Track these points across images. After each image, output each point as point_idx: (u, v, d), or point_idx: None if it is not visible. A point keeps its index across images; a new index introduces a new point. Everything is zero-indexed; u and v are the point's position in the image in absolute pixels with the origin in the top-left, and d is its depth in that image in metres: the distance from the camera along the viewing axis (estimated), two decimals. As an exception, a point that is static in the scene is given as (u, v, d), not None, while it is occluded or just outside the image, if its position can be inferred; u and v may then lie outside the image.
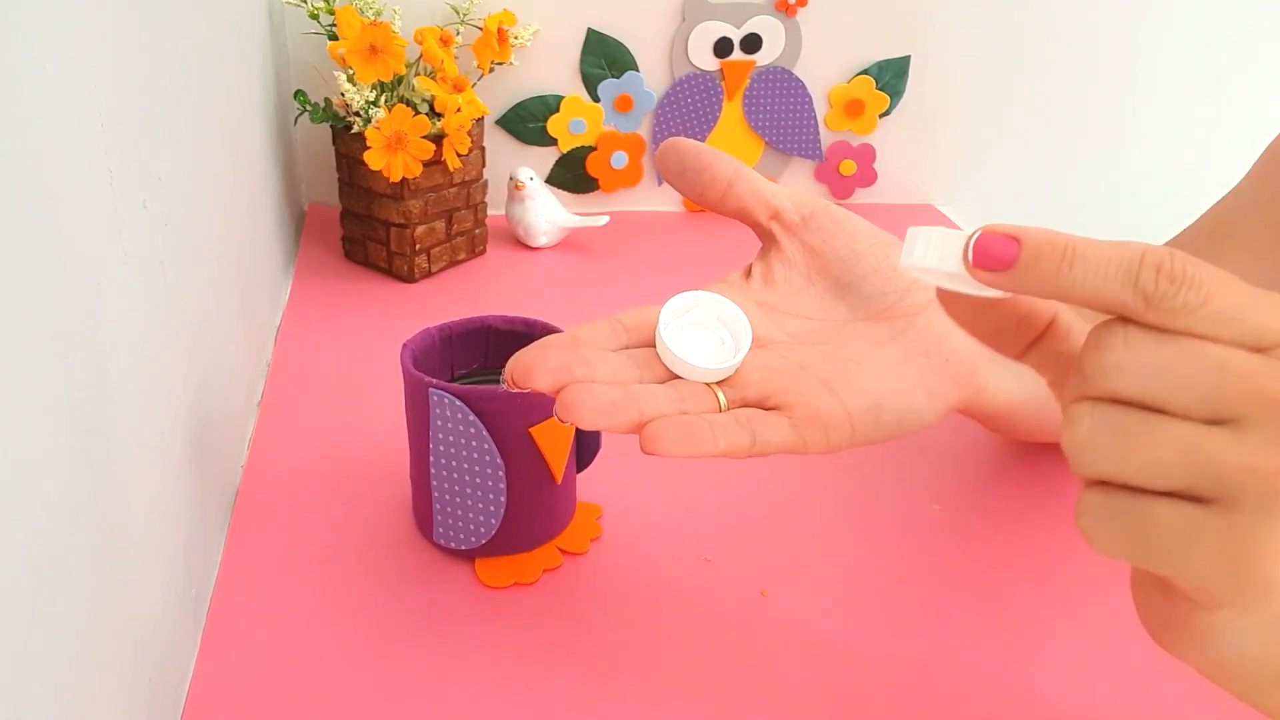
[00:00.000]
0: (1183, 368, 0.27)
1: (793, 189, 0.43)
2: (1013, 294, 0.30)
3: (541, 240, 0.90)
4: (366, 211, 0.83)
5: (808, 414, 0.38)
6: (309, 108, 0.82)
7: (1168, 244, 0.59)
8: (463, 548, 0.52)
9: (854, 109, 1.01)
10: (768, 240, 0.43)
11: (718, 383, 0.38)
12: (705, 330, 0.39)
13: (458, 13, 0.88)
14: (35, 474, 0.30)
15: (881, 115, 1.02)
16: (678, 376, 0.38)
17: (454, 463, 0.50)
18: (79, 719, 0.33)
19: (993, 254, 0.29)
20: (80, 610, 0.33)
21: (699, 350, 0.38)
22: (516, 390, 0.36)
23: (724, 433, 0.35)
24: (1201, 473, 0.27)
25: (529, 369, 0.35)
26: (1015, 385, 0.47)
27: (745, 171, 0.42)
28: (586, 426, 0.34)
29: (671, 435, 0.34)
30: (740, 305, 0.40)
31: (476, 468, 0.50)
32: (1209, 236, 0.58)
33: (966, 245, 0.29)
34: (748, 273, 0.43)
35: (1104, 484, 0.29)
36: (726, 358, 0.38)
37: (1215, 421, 0.27)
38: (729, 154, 0.42)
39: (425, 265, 0.84)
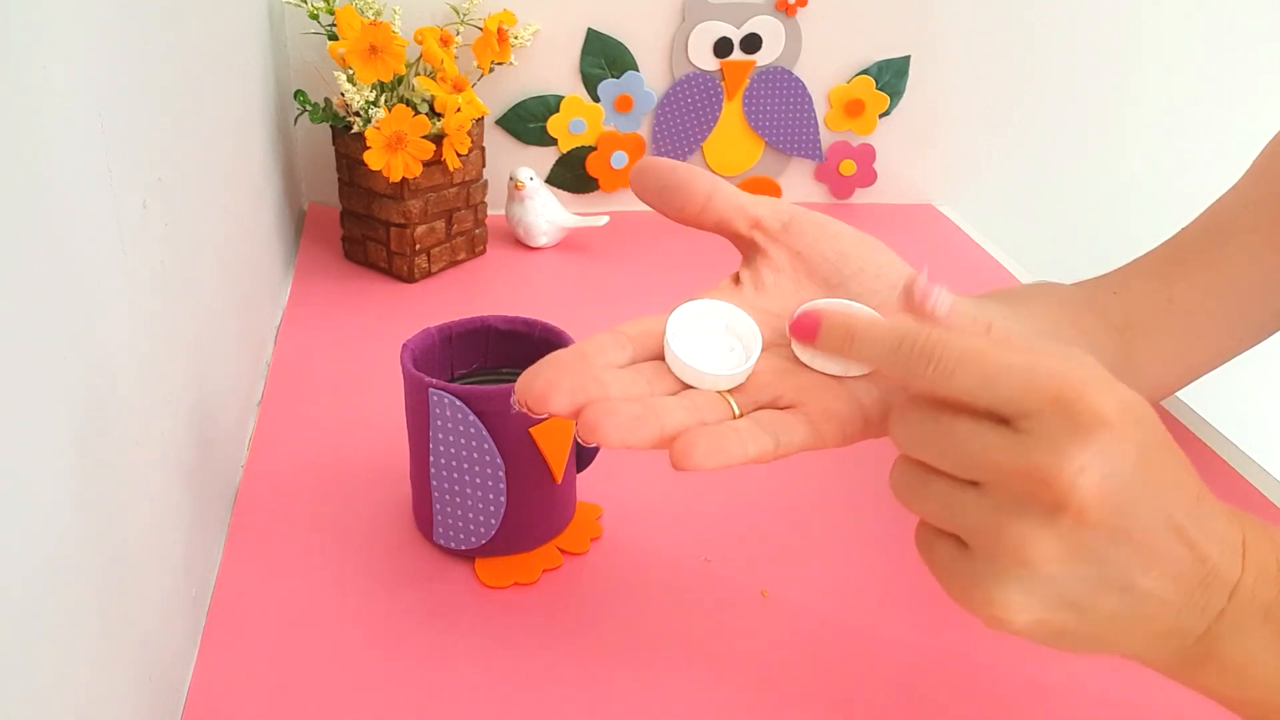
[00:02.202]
0: (939, 440, 0.34)
1: (769, 198, 0.43)
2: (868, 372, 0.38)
3: (541, 240, 0.90)
4: (366, 211, 0.84)
5: (821, 409, 0.38)
6: (309, 108, 0.82)
7: (1167, 244, 0.59)
8: (463, 548, 0.52)
9: (854, 109, 1.01)
10: (751, 250, 0.43)
11: (730, 390, 0.38)
12: (714, 338, 0.39)
13: (458, 13, 0.88)
14: (36, 474, 0.30)
15: (881, 115, 1.02)
16: (688, 387, 0.38)
17: (454, 463, 0.50)
18: (80, 718, 0.33)
19: (803, 327, 0.38)
20: (81, 610, 0.33)
21: (709, 358, 0.38)
22: (532, 415, 0.35)
23: (751, 439, 0.35)
24: (956, 525, 0.34)
25: (544, 395, 0.34)
26: None
27: (722, 184, 0.42)
28: (612, 445, 0.34)
29: (703, 448, 0.34)
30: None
31: (476, 468, 0.50)
32: (1208, 236, 0.57)
33: (790, 321, 0.38)
34: (736, 279, 0.43)
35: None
36: (737, 364, 0.38)
37: (969, 482, 0.33)
38: (726, 171, 0.43)
39: (425, 265, 0.84)
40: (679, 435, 0.34)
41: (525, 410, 0.35)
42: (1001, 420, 0.33)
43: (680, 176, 0.42)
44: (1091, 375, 0.32)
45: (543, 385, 0.35)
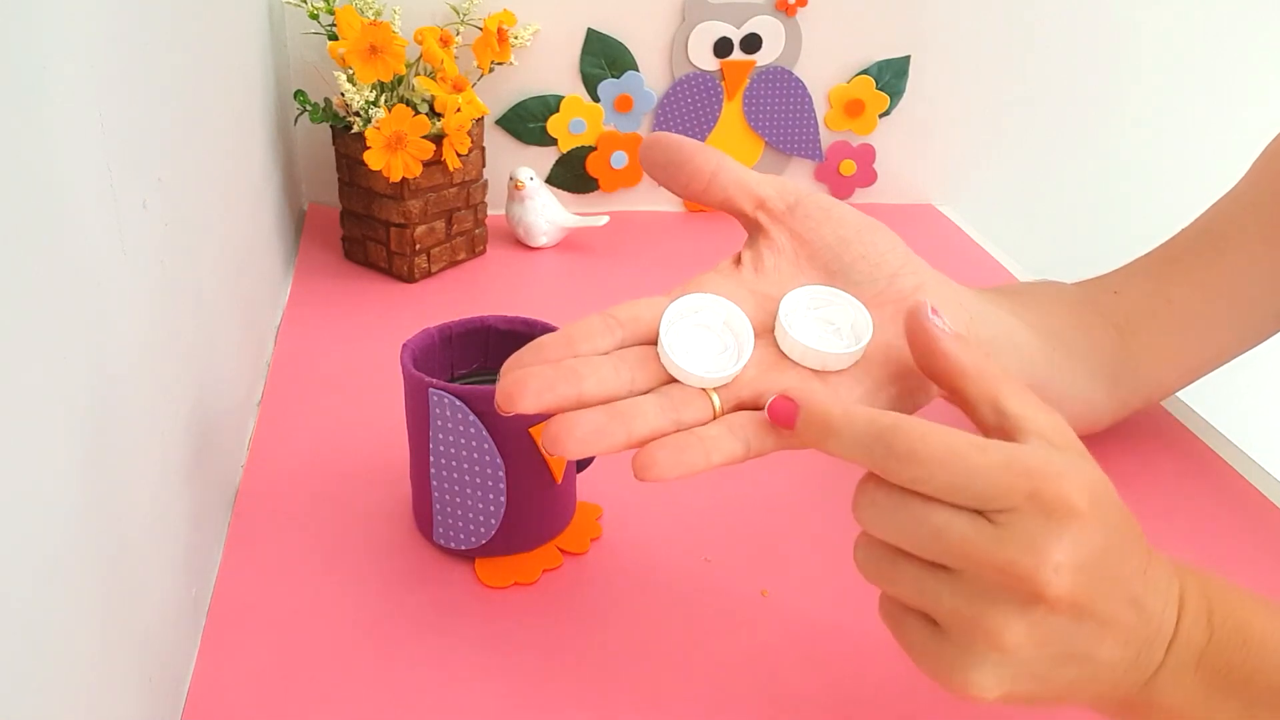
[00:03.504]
0: (911, 528, 0.34)
1: (776, 178, 0.44)
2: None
3: (541, 240, 0.90)
4: (366, 211, 0.84)
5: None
6: (309, 108, 0.82)
7: (1167, 244, 0.59)
8: (463, 548, 0.52)
9: (854, 109, 1.01)
10: (755, 230, 0.43)
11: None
12: (710, 333, 0.39)
13: (458, 13, 0.88)
14: (35, 474, 0.30)
15: (881, 115, 1.02)
16: (674, 379, 0.38)
17: (454, 463, 0.50)
18: (81, 718, 0.33)
19: (781, 414, 0.36)
20: (81, 610, 0.33)
21: (700, 355, 0.38)
22: (506, 414, 0.35)
23: (716, 446, 0.36)
24: (929, 608, 0.35)
25: (512, 394, 0.35)
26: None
27: (728, 162, 0.43)
28: (574, 457, 0.35)
29: (663, 461, 0.35)
30: (733, 293, 0.40)
31: (476, 468, 0.50)
32: (1207, 238, 0.57)
33: (767, 405, 0.37)
34: (737, 261, 0.43)
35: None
36: (728, 364, 0.38)
37: (941, 567, 0.34)
38: (714, 147, 0.43)
39: (425, 265, 0.84)
40: (642, 445, 0.35)
41: (500, 410, 0.35)
42: (975, 511, 0.33)
43: (686, 152, 0.42)
44: (1064, 464, 0.33)
45: (510, 385, 0.35)
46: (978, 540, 0.33)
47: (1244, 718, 0.35)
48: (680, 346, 0.38)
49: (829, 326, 0.40)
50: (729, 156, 0.43)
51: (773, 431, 0.37)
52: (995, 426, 0.36)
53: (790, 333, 0.39)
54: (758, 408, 0.38)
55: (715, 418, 0.37)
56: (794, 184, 0.44)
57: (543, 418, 0.49)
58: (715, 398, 0.37)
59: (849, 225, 0.43)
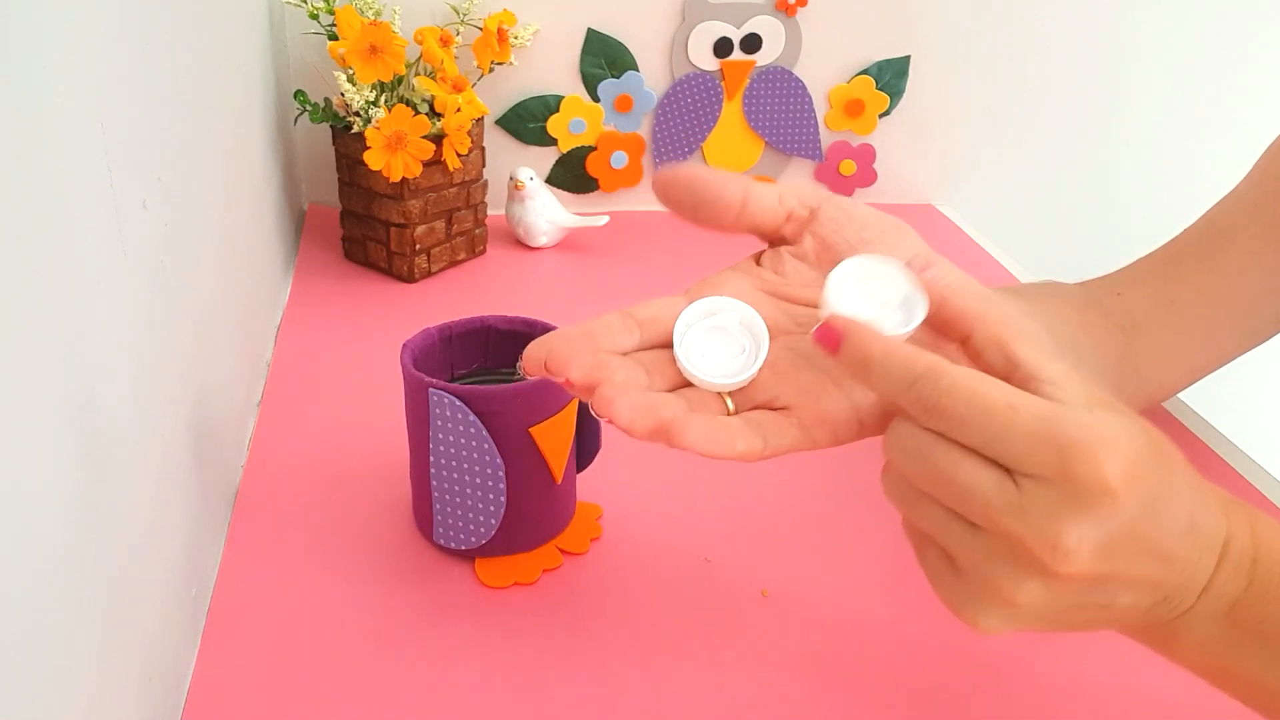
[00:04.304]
0: (938, 477, 0.34)
1: (795, 186, 0.43)
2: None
3: (541, 240, 0.90)
4: (366, 211, 0.84)
5: (815, 414, 0.38)
6: (309, 108, 0.82)
7: (1169, 245, 0.59)
8: (463, 548, 0.52)
9: (854, 109, 1.01)
10: (779, 242, 0.43)
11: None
12: (726, 334, 0.39)
13: (458, 13, 0.88)
14: (35, 475, 0.30)
15: (881, 115, 1.02)
16: (689, 383, 0.38)
17: (454, 463, 0.50)
18: (81, 718, 0.33)
19: (827, 337, 0.36)
20: (81, 611, 0.33)
21: (715, 358, 0.38)
22: (544, 376, 0.36)
23: (741, 436, 0.36)
24: (950, 549, 0.35)
25: (566, 358, 0.35)
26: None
27: (753, 189, 0.41)
28: (620, 423, 0.35)
29: (698, 431, 0.35)
30: (750, 292, 0.40)
31: (476, 468, 0.50)
32: (1208, 237, 0.57)
33: (814, 330, 0.37)
34: (758, 260, 0.43)
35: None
36: (744, 367, 0.38)
37: (964, 516, 0.34)
38: (729, 170, 0.42)
39: (425, 265, 0.84)
40: (675, 418, 0.35)
41: (541, 371, 0.36)
42: (1004, 467, 0.33)
43: (712, 189, 0.41)
44: (1102, 435, 0.32)
45: (564, 351, 0.36)
46: (1001, 506, 0.32)
47: (1270, 666, 0.35)
48: (695, 352, 0.38)
49: (877, 299, 0.37)
50: (749, 179, 0.42)
51: (788, 430, 0.37)
52: (1005, 374, 0.35)
53: (834, 306, 0.37)
54: (773, 409, 0.38)
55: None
56: (812, 189, 0.43)
57: (543, 417, 0.49)
58: (729, 401, 0.38)
59: (871, 226, 0.42)
